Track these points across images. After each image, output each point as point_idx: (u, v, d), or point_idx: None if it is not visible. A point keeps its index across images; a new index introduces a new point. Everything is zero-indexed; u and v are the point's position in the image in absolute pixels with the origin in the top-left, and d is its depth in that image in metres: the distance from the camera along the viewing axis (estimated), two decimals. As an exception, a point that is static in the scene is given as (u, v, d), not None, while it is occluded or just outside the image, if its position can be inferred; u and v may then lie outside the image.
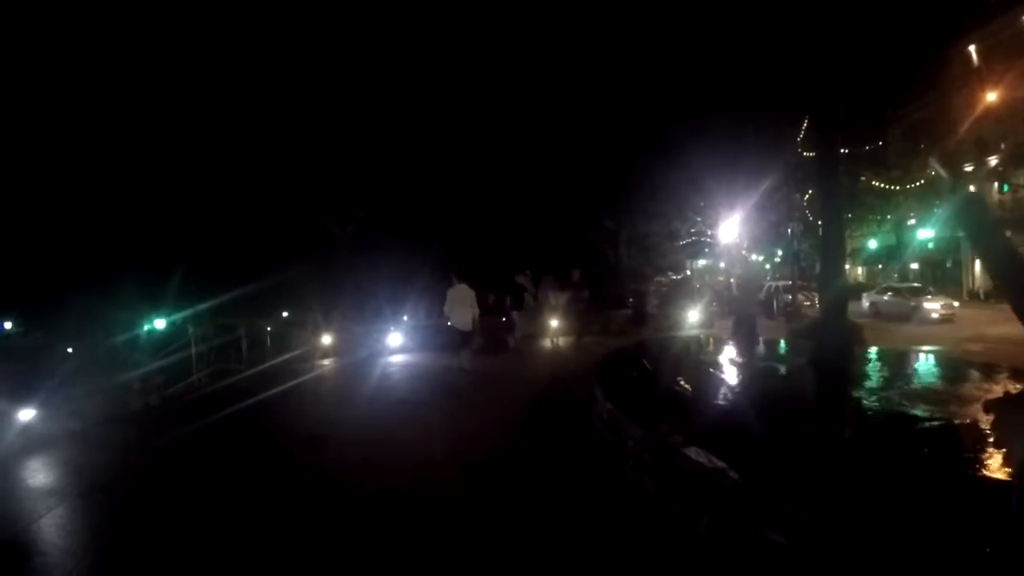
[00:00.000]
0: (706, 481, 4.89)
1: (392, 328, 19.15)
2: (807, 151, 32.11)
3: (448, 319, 14.55)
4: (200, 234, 30.15)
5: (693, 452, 5.15)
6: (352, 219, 29.19)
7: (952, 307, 27.44)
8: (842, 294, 7.44)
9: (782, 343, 12.46)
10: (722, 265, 44.98)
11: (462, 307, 14.22)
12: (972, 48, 36.85)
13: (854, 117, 32.55)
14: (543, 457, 7.75)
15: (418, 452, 8.27)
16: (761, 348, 11.61)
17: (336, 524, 5.83)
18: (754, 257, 55.69)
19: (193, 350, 15.89)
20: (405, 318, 21.60)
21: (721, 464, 4.82)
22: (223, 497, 6.76)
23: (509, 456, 7.89)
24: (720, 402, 7.91)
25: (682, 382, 8.89)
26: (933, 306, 26.97)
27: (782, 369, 10.29)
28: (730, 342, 12.03)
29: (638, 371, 9.58)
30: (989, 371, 9.11)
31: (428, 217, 31.85)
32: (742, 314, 10.79)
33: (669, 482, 5.44)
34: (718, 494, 4.74)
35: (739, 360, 10.38)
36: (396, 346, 18.62)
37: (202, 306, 20.65)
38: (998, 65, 33.09)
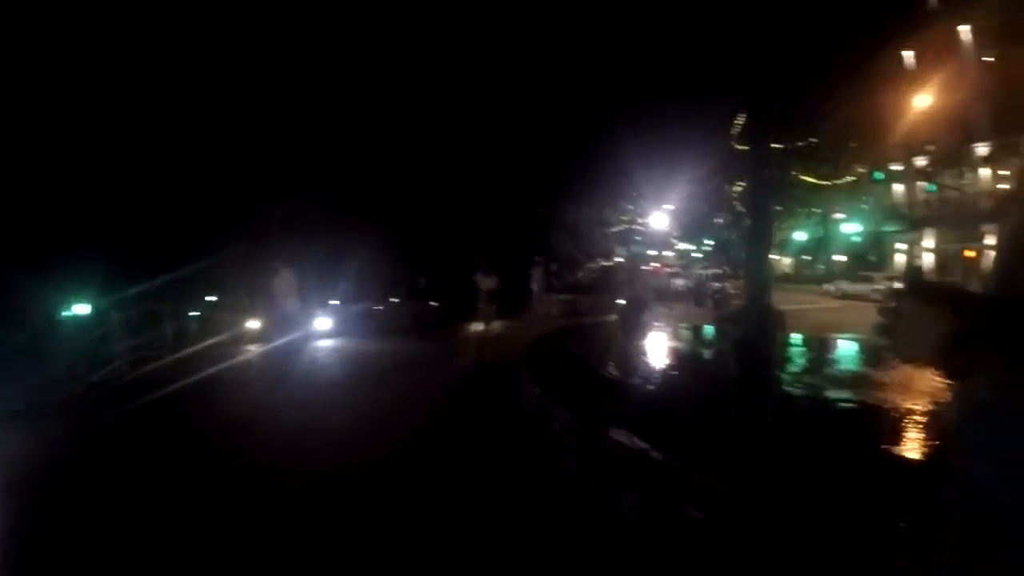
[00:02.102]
0: (628, 461, 4.94)
1: (322, 312, 18.88)
2: (739, 144, 32.64)
3: (279, 306, 15.86)
4: (124, 217, 29.29)
5: (616, 433, 5.20)
6: (284, 198, 28.71)
7: None
8: (765, 282, 7.62)
9: (708, 328, 12.69)
10: (652, 253, 45.68)
11: (288, 293, 15.66)
12: (906, 52, 37.89)
13: (787, 113, 33.24)
14: (470, 442, 7.76)
15: (345, 437, 8.20)
16: (646, 334, 11.83)
17: (258, 512, 5.74)
18: (682, 246, 56.66)
19: (117, 336, 15.45)
20: (336, 301, 21.31)
21: (643, 444, 4.88)
22: (146, 488, 6.56)
23: (436, 442, 7.86)
24: (645, 385, 8.02)
25: (609, 366, 8.97)
26: None
27: (707, 353, 10.46)
28: (622, 327, 12.22)
29: (566, 356, 9.63)
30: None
31: (362, 198, 31.40)
32: (631, 299, 11.02)
33: (592, 463, 5.49)
34: (639, 473, 4.80)
35: (631, 344, 10.58)
36: (326, 330, 18.39)
37: (126, 291, 20.09)
38: (929, 70, 34.11)
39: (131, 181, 28.75)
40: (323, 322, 18.55)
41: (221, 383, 12.78)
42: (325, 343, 16.52)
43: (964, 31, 33.98)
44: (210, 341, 17.30)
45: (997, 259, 1.45)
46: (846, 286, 37.29)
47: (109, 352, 15.00)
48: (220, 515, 5.71)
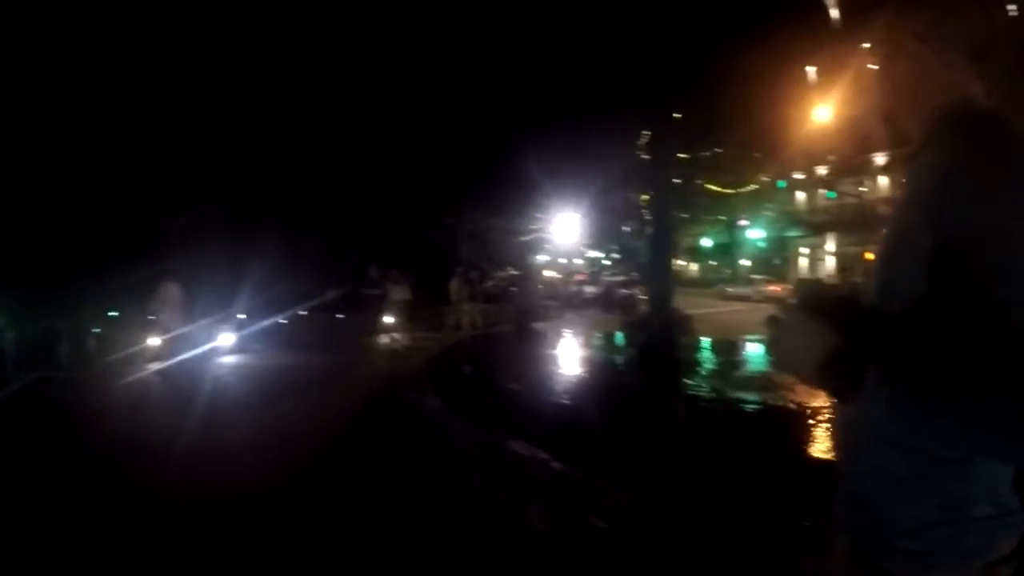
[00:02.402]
0: (530, 473, 4.89)
1: (227, 326, 18.31)
2: (644, 154, 33.23)
3: (166, 323, 15.29)
4: (20, 230, 28.09)
5: (516, 445, 5.15)
6: (184, 208, 27.95)
7: None
8: (667, 287, 7.73)
9: (616, 334, 12.82)
10: (562, 260, 46.25)
11: (173, 307, 15.26)
12: (809, 67, 39.21)
13: (691, 123, 34.06)
14: (375, 458, 7.63)
15: (248, 458, 7.95)
16: (536, 341, 11.93)
17: (155, 538, 5.46)
18: (591, 253, 57.47)
19: (13, 355, 14.80)
20: (243, 315, 20.73)
21: (544, 455, 4.83)
22: (36, 513, 6.17)
23: (342, 460, 7.72)
24: (551, 394, 8.01)
25: (514, 375, 8.94)
26: None
27: (614, 359, 10.56)
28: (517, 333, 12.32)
29: (470, 367, 9.58)
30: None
31: (269, 209, 30.73)
32: (523, 308, 11.17)
33: (496, 475, 5.42)
34: (543, 485, 4.75)
35: (536, 352, 10.65)
36: (230, 346, 17.85)
37: (23, 308, 19.27)
38: (828, 85, 35.37)
39: (27, 192, 27.60)
40: (227, 337, 17.99)
41: (120, 403, 12.28)
42: (229, 359, 16.04)
43: (864, 48, 35.23)
44: (110, 359, 16.70)
45: (875, 269, 1.40)
46: (732, 289, 41.40)
47: (4, 372, 14.37)
48: (113, 541, 5.42)
